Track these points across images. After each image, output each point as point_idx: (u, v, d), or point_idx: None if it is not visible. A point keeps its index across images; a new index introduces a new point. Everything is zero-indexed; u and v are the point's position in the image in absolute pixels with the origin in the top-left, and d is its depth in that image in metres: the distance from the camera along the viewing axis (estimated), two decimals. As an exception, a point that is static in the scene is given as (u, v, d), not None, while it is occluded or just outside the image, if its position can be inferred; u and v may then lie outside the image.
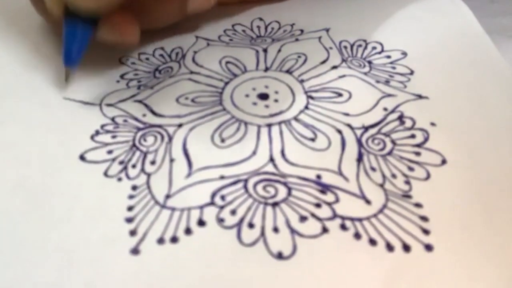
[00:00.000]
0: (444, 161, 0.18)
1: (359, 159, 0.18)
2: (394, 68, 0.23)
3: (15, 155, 0.18)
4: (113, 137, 0.19)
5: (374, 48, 0.24)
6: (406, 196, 0.17)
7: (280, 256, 0.15)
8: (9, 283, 0.15)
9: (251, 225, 0.16)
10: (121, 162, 0.18)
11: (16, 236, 0.16)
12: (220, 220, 0.16)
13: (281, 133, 0.19)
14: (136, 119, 0.20)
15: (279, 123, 0.20)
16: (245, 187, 0.17)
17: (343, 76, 0.22)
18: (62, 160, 0.18)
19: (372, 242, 0.16)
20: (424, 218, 0.16)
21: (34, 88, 0.21)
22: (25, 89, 0.21)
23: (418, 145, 0.19)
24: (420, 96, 0.21)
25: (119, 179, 0.18)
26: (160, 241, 0.16)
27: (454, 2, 0.26)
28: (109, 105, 0.21)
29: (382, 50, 0.24)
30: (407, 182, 0.18)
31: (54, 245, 0.16)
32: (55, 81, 0.22)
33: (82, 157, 0.18)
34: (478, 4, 0.25)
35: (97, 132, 0.20)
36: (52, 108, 0.20)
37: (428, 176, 0.18)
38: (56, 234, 0.16)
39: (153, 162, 0.18)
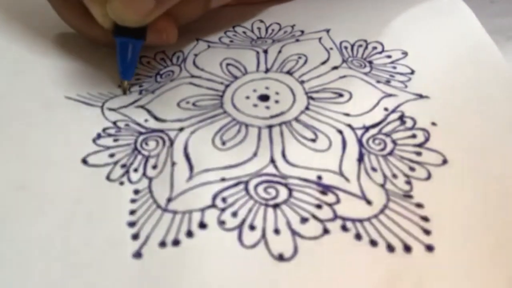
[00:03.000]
0: (445, 161, 0.18)
1: (360, 159, 0.18)
2: (394, 68, 0.22)
3: (17, 158, 0.19)
4: (115, 140, 0.20)
5: (374, 48, 0.24)
6: (407, 196, 0.17)
7: (281, 257, 0.15)
8: (11, 286, 0.15)
9: (252, 227, 0.16)
10: (123, 166, 0.19)
11: (18, 240, 0.16)
12: (221, 223, 0.16)
13: (281, 134, 0.19)
14: (138, 124, 0.20)
15: (280, 124, 0.20)
16: (246, 189, 0.17)
17: (344, 76, 0.22)
18: (64, 163, 0.18)
19: (373, 243, 0.16)
20: (425, 219, 0.16)
21: (36, 89, 0.22)
22: (27, 91, 0.21)
23: (419, 145, 0.19)
24: (421, 96, 0.21)
25: (121, 183, 0.18)
26: (162, 244, 0.16)
27: (454, 2, 0.26)
28: (111, 109, 0.21)
29: (383, 50, 0.24)
30: (408, 182, 0.18)
31: (56, 249, 0.16)
32: (57, 82, 0.22)
33: (84, 161, 0.19)
34: (478, 4, 0.25)
35: (99, 136, 0.20)
36: (55, 111, 0.21)
37: (429, 176, 0.18)
38: (58, 238, 0.16)
39: (154, 167, 0.18)
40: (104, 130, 0.20)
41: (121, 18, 0.20)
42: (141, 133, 0.20)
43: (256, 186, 0.18)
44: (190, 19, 0.24)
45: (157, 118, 0.21)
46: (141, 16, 0.20)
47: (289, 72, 0.22)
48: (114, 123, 0.20)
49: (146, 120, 0.21)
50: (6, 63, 0.23)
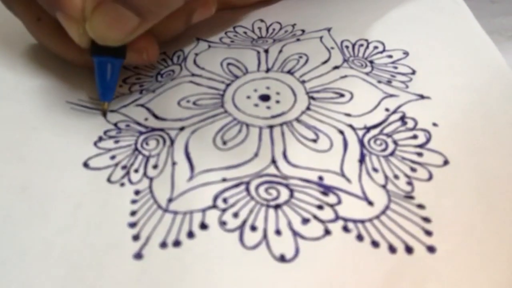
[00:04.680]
0: (446, 162, 0.18)
1: (361, 160, 0.18)
2: (396, 68, 0.22)
3: (19, 161, 0.19)
4: (116, 142, 0.20)
5: (375, 47, 0.24)
6: (409, 197, 0.17)
7: (282, 258, 0.15)
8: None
9: (253, 228, 0.16)
10: (123, 167, 0.18)
11: (20, 242, 0.16)
12: (223, 223, 0.16)
13: (282, 134, 0.19)
14: (138, 123, 0.20)
15: (281, 124, 0.20)
16: (247, 189, 0.17)
17: (345, 76, 0.22)
18: (65, 166, 0.18)
19: (375, 244, 0.16)
20: (427, 219, 0.16)
21: (38, 93, 0.21)
22: (29, 94, 0.21)
23: (420, 146, 0.19)
24: (422, 97, 0.21)
25: (122, 184, 0.18)
26: (163, 245, 0.16)
27: (455, 1, 0.26)
28: (112, 111, 0.21)
29: (384, 50, 0.23)
30: (410, 183, 0.18)
31: (58, 250, 0.16)
32: (59, 86, 0.22)
33: (85, 164, 0.19)
34: (478, 4, 0.25)
35: (101, 138, 0.20)
36: (56, 114, 0.21)
37: (430, 177, 0.18)
38: (60, 240, 0.16)
39: (155, 166, 0.18)
40: (105, 132, 0.20)
41: (102, 38, 0.19)
42: (141, 133, 0.20)
43: (257, 187, 0.18)
44: (171, 35, 0.23)
45: (157, 117, 0.21)
46: (123, 35, 0.19)
47: (290, 72, 0.22)
48: (115, 124, 0.20)
49: (146, 119, 0.21)
50: (7, 68, 0.23)
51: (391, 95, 0.21)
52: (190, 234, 0.16)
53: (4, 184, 0.18)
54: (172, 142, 0.19)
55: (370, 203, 0.17)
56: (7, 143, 0.19)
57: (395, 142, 0.19)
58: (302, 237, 0.16)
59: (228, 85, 0.22)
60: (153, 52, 0.22)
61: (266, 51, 0.24)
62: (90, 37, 0.19)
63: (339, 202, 0.17)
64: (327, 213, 0.17)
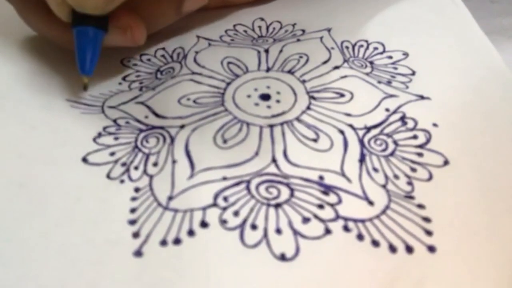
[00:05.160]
0: (446, 162, 0.18)
1: (362, 159, 0.18)
2: (395, 68, 0.23)
3: (18, 157, 0.18)
4: (116, 139, 0.19)
5: (375, 48, 0.24)
6: (409, 197, 0.17)
7: (283, 257, 0.15)
8: (11, 285, 0.15)
9: (253, 227, 0.16)
10: (123, 164, 0.18)
11: (19, 238, 0.16)
12: (223, 222, 0.16)
13: (283, 134, 0.19)
14: (138, 121, 0.20)
15: (281, 123, 0.20)
16: (248, 188, 0.17)
17: (345, 76, 0.22)
18: (64, 162, 0.18)
19: (375, 243, 0.16)
20: (427, 219, 0.16)
21: (36, 89, 0.21)
22: (27, 91, 0.21)
23: (420, 146, 0.19)
24: (422, 97, 0.21)
25: (122, 181, 0.18)
26: (163, 243, 0.16)
27: (455, 2, 0.26)
28: (111, 107, 0.21)
29: (384, 51, 0.24)
30: (410, 183, 0.18)
31: (57, 247, 0.16)
32: (58, 82, 0.22)
33: (84, 159, 0.18)
34: (478, 5, 0.25)
35: (100, 134, 0.20)
36: (55, 110, 0.20)
37: (430, 177, 0.18)
38: (59, 236, 0.16)
39: (155, 164, 0.18)
40: (104, 128, 0.20)
41: (80, 2, 0.18)
42: (141, 131, 0.20)
43: (257, 186, 0.17)
44: (161, 24, 0.23)
45: (157, 115, 0.20)
46: (103, 0, 0.18)
47: (291, 72, 0.22)
48: (115, 121, 0.20)
49: (146, 117, 0.20)
50: (7, 65, 0.22)
51: (391, 96, 0.21)
52: (191, 232, 0.16)
53: (3, 180, 0.18)
54: (172, 140, 0.19)
55: (371, 202, 0.17)
56: (6, 139, 0.19)
57: (395, 142, 0.19)
58: (303, 236, 0.16)
59: (228, 83, 0.22)
60: (138, 32, 0.21)
61: (267, 50, 0.24)
62: (70, 8, 0.19)
63: (340, 201, 0.17)
64: (327, 213, 0.17)
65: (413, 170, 0.18)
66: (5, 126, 0.20)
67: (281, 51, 0.24)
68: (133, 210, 0.17)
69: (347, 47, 0.24)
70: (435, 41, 0.24)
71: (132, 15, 0.21)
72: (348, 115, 0.20)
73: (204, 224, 0.16)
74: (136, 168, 0.18)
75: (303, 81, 0.22)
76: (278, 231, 0.16)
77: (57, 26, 0.21)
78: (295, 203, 0.17)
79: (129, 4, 0.20)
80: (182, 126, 0.20)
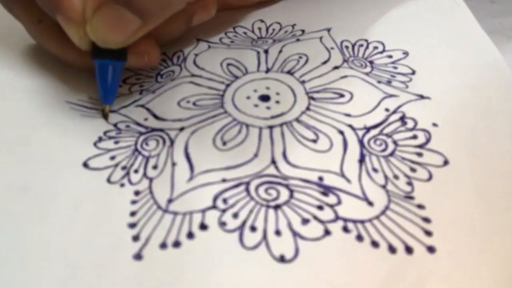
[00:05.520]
0: (446, 162, 0.18)
1: (361, 160, 0.18)
2: (395, 68, 0.22)
3: (19, 161, 0.19)
4: (116, 142, 0.20)
5: (375, 48, 0.24)
6: (409, 197, 0.17)
7: (282, 259, 0.15)
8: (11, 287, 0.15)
9: (253, 228, 0.16)
10: (123, 168, 0.18)
11: (19, 242, 0.16)
12: (222, 224, 0.16)
13: (282, 135, 0.19)
14: (138, 123, 0.20)
15: (281, 124, 0.20)
16: (247, 190, 0.17)
17: (345, 76, 0.22)
18: (65, 167, 0.18)
19: (375, 244, 0.16)
20: (427, 220, 0.16)
21: (37, 93, 0.21)
22: (28, 94, 0.21)
23: (420, 146, 0.19)
24: (422, 97, 0.21)
25: (122, 185, 0.18)
26: (163, 245, 0.16)
27: (455, 1, 0.26)
28: (111, 111, 0.21)
29: (384, 50, 0.23)
30: (409, 183, 0.18)
31: (57, 251, 0.16)
32: (58, 87, 0.22)
33: (85, 164, 0.19)
34: (478, 4, 0.25)
35: (100, 139, 0.20)
36: (56, 115, 0.21)
37: (430, 177, 0.18)
38: (59, 240, 0.16)
39: (155, 167, 0.18)
40: (105, 133, 0.20)
41: (103, 40, 0.19)
42: (141, 133, 0.20)
43: (257, 187, 0.18)
44: (171, 38, 0.23)
45: (157, 117, 0.21)
46: (125, 37, 0.19)
47: (290, 72, 0.22)
48: (115, 125, 0.20)
49: (146, 119, 0.21)
50: (8, 68, 0.23)
51: (391, 95, 0.21)
52: (190, 235, 0.16)
53: (4, 184, 0.18)
54: (172, 142, 0.19)
55: (370, 203, 0.17)
56: (7, 143, 0.19)
57: (395, 142, 0.19)
58: (302, 238, 0.16)
59: (228, 85, 0.22)
60: (154, 55, 0.22)
61: (266, 51, 0.24)
62: (91, 40, 0.19)
63: (339, 202, 0.17)
64: (327, 214, 0.17)
65: (413, 170, 0.18)
66: (6, 130, 0.20)
67: (280, 51, 0.24)
68: (133, 213, 0.17)
69: (346, 47, 0.24)
70: (436, 40, 0.24)
71: (149, 39, 0.21)
72: (348, 115, 0.20)
73: (203, 227, 0.16)
74: (136, 171, 0.18)
75: (303, 82, 0.22)
76: (278, 232, 0.16)
77: (72, 50, 0.21)
78: (294, 204, 0.17)
79: None
80: (181, 129, 0.20)
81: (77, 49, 0.20)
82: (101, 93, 0.20)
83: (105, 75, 0.20)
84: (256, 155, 0.19)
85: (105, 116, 0.21)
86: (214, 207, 0.17)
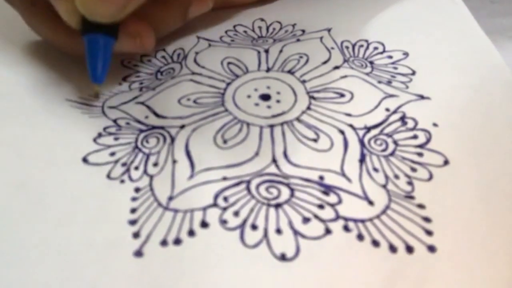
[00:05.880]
0: (446, 162, 0.18)
1: (362, 159, 0.18)
2: (395, 68, 0.23)
3: (18, 156, 0.18)
4: (116, 139, 0.19)
5: (375, 48, 0.24)
6: (409, 197, 0.17)
7: (283, 257, 0.15)
8: (12, 285, 0.15)
9: (254, 227, 0.16)
10: (123, 164, 0.18)
11: (18, 238, 0.16)
12: (223, 222, 0.16)
13: (283, 134, 0.19)
14: (138, 121, 0.20)
15: (282, 124, 0.20)
16: (248, 188, 0.17)
17: (345, 76, 0.22)
18: (65, 162, 0.18)
19: (375, 243, 0.16)
20: (427, 219, 0.16)
21: (37, 90, 0.21)
22: (28, 90, 0.21)
23: (421, 146, 0.19)
24: (422, 97, 0.21)
25: (122, 181, 0.18)
26: (163, 243, 0.16)
27: (455, 1, 0.26)
28: (111, 107, 0.21)
29: (384, 50, 0.24)
30: (410, 183, 0.18)
31: (57, 247, 0.16)
32: (58, 82, 0.22)
33: (85, 159, 0.18)
34: (478, 4, 0.25)
35: (100, 135, 0.20)
36: (55, 111, 0.20)
37: (430, 177, 0.18)
38: (59, 236, 0.16)
39: (155, 164, 0.18)
40: (105, 129, 0.20)
41: (91, 12, 0.18)
42: (141, 131, 0.20)
43: (258, 186, 0.17)
44: (168, 30, 0.23)
45: (157, 115, 0.20)
46: (115, 8, 0.18)
47: (291, 72, 0.22)
48: (115, 121, 0.20)
49: (146, 117, 0.20)
50: (7, 65, 0.22)
51: (391, 95, 0.21)
52: (191, 233, 0.16)
53: (3, 180, 0.18)
54: (173, 140, 0.19)
55: (371, 202, 0.17)
56: (6, 139, 0.19)
57: (395, 142, 0.19)
58: (303, 236, 0.16)
59: (228, 84, 0.22)
60: (148, 39, 0.21)
61: (267, 51, 0.24)
62: (80, 16, 0.19)
63: (340, 201, 0.17)
64: (327, 213, 0.17)
65: (413, 170, 0.18)
66: (5, 126, 0.20)
67: (281, 51, 0.24)
68: (133, 210, 0.17)
69: (347, 47, 0.24)
70: (435, 41, 0.24)
71: (141, 22, 0.20)
72: (348, 115, 0.20)
73: (204, 224, 0.16)
74: (136, 168, 0.18)
75: (303, 81, 0.22)
76: (278, 231, 0.16)
77: (64, 33, 0.20)
78: (295, 203, 0.17)
79: (138, 10, 0.20)
80: (182, 126, 0.20)
81: (69, 32, 0.20)
82: (90, 71, 0.20)
83: (94, 51, 0.19)
84: (257, 154, 0.19)
85: (95, 95, 0.20)
86: (215, 205, 0.17)
